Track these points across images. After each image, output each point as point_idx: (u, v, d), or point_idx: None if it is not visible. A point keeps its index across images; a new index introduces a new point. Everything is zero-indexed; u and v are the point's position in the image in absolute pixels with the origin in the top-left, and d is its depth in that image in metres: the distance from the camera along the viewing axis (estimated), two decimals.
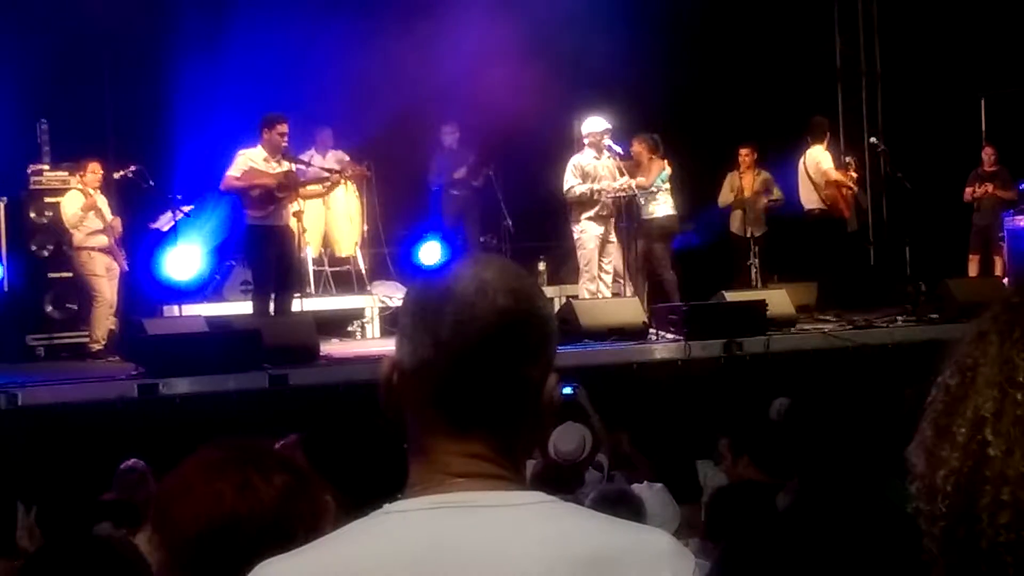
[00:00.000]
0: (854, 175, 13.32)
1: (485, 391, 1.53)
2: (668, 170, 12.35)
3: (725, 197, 14.03)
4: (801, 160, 13.29)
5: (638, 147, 12.42)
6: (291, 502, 2.05)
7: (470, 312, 1.52)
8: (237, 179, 10.68)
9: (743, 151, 13.86)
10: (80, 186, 11.67)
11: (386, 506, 1.53)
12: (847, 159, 13.23)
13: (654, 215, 12.27)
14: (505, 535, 1.48)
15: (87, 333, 11.60)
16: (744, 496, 4.96)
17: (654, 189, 12.18)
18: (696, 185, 13.77)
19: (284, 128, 10.81)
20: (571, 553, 1.47)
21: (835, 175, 13.04)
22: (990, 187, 14.10)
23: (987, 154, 14.25)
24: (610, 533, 1.53)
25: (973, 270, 14.10)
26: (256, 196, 10.64)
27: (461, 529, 1.48)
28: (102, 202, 11.66)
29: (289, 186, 10.87)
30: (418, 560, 1.46)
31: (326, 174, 12.19)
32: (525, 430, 1.57)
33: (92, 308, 11.50)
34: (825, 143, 13.24)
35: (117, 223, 11.72)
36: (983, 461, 1.06)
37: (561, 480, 5.55)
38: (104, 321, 11.48)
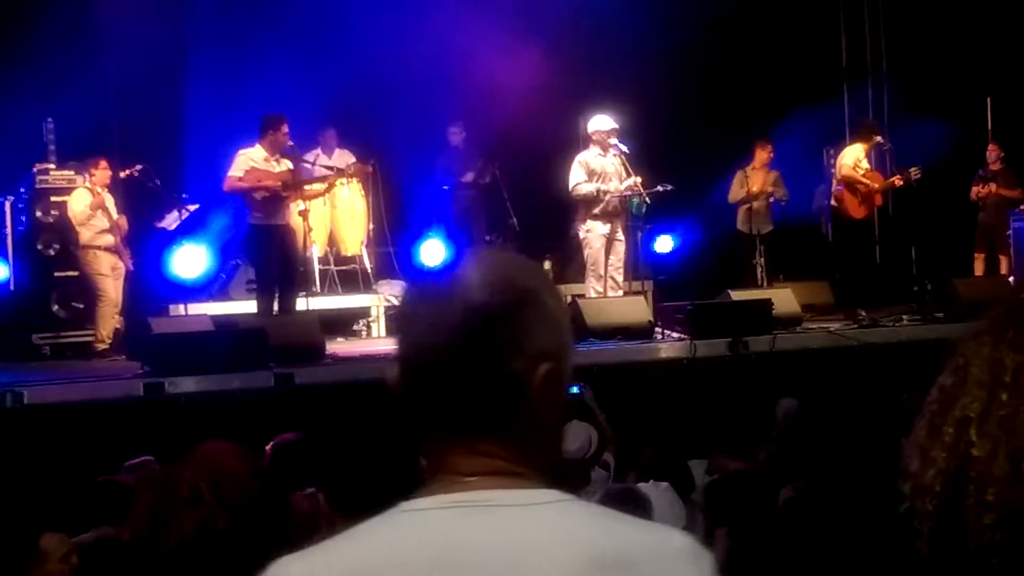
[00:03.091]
0: (896, 181, 13.13)
1: (465, 391, 1.52)
2: None
3: (735, 194, 14.02)
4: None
5: None
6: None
7: (441, 312, 1.52)
8: (240, 179, 10.69)
9: (760, 150, 13.84)
10: (89, 184, 11.68)
11: (401, 504, 1.52)
12: (911, 169, 13.02)
13: None
14: (521, 534, 1.47)
15: (92, 332, 11.61)
16: (738, 486, 4.97)
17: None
18: (702, 183, 13.77)
19: (286, 128, 10.86)
20: (589, 552, 1.45)
21: (845, 172, 13.01)
22: (994, 186, 14.09)
23: (991, 153, 14.23)
24: (628, 532, 1.52)
25: (979, 269, 14.08)
26: (260, 198, 10.65)
27: (477, 528, 1.47)
28: (108, 201, 11.68)
29: (291, 185, 10.88)
30: (434, 560, 1.45)
31: (328, 172, 12.19)
32: (527, 426, 1.54)
33: (97, 307, 11.51)
34: (866, 145, 13.18)
35: (123, 221, 11.73)
36: (968, 461, 1.06)
37: (567, 479, 5.55)
38: (109, 320, 11.49)
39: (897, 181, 13.04)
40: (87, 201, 11.56)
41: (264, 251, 10.86)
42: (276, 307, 10.82)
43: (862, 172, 13.02)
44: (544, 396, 1.54)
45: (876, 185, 13.00)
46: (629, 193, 11.82)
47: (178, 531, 2.05)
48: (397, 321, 1.61)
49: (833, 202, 13.20)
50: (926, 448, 1.11)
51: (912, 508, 1.11)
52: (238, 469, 2.16)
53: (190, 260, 12.41)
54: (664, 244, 13.40)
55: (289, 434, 5.82)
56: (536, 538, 1.46)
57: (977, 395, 1.08)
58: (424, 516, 1.49)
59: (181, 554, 2.03)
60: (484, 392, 1.52)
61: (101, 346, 11.43)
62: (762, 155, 13.86)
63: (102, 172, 11.67)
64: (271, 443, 5.79)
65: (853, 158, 13.01)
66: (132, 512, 2.16)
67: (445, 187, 14.18)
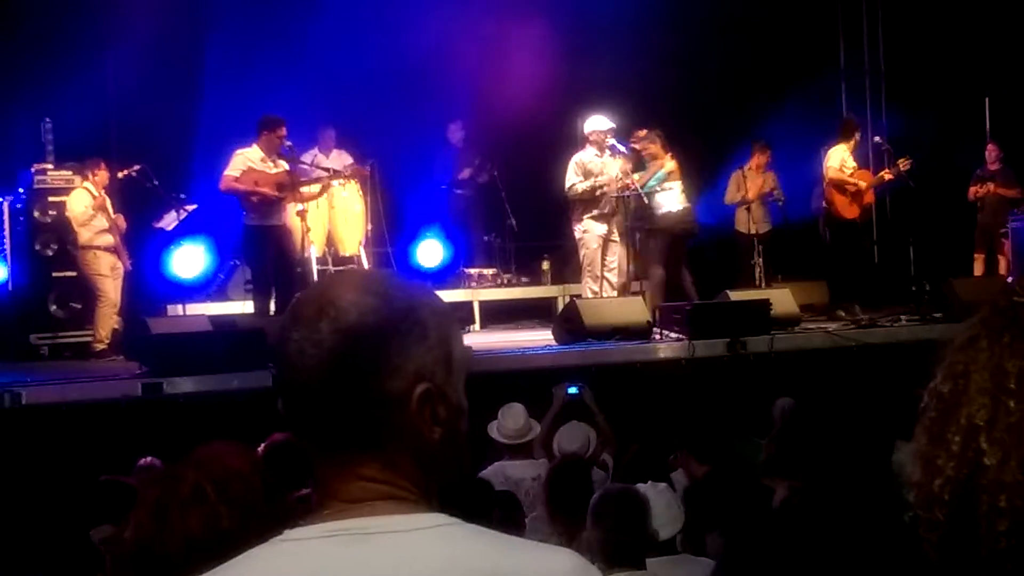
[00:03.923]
0: (885, 176, 13.10)
1: (337, 414, 1.49)
2: (669, 166, 12.18)
3: (731, 195, 14.03)
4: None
5: (648, 145, 12.27)
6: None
7: (308, 335, 1.49)
8: (236, 180, 10.68)
9: (758, 154, 13.84)
10: (90, 185, 11.67)
11: (285, 532, 1.50)
12: (899, 161, 12.99)
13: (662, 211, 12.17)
14: (397, 563, 1.44)
15: (91, 332, 11.61)
16: (720, 486, 4.97)
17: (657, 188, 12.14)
18: (700, 183, 13.76)
19: (283, 131, 10.86)
20: None
21: (832, 174, 12.99)
22: (992, 186, 14.09)
23: (990, 152, 14.24)
24: (512, 556, 1.48)
25: (978, 269, 14.08)
26: (256, 200, 10.65)
27: (354, 557, 1.45)
28: (108, 202, 11.68)
29: (288, 186, 10.87)
30: None
31: (325, 174, 12.18)
32: (408, 447, 1.51)
33: (96, 307, 11.51)
34: (850, 143, 13.15)
35: (121, 221, 11.73)
36: (979, 470, 1.06)
37: (570, 482, 5.54)
38: (108, 321, 11.49)
39: (886, 175, 13.02)
40: (88, 201, 11.55)
41: (260, 252, 10.86)
42: (273, 307, 10.82)
43: (849, 171, 13.01)
44: (424, 416, 1.51)
45: (864, 183, 12.99)
46: (627, 193, 11.82)
47: (183, 530, 2.05)
48: (273, 344, 1.57)
49: (824, 204, 13.19)
50: (930, 457, 1.11)
51: (918, 517, 1.11)
52: (241, 468, 2.16)
53: (188, 260, 12.40)
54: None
55: (281, 434, 5.82)
56: (412, 566, 1.43)
57: (982, 403, 1.08)
58: (303, 546, 1.47)
59: (187, 553, 2.03)
60: (360, 415, 1.49)
61: (100, 346, 11.43)
62: (759, 159, 13.87)
63: (102, 173, 11.68)
64: (263, 443, 5.79)
65: (838, 159, 13.00)
66: (136, 512, 2.16)
67: (443, 186, 14.18)
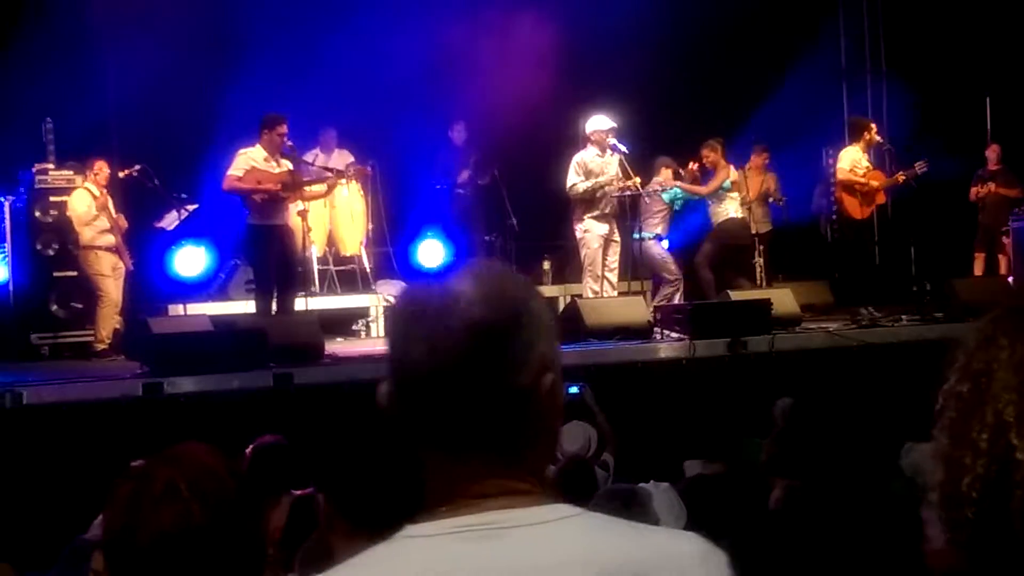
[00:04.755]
0: (899, 178, 13.07)
1: (470, 410, 1.47)
2: (732, 175, 12.81)
3: None
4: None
5: (709, 153, 12.75)
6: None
7: (441, 330, 1.47)
8: (239, 179, 10.67)
9: (755, 155, 13.86)
10: (91, 184, 11.67)
11: (407, 529, 1.48)
12: (916, 164, 12.96)
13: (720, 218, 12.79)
14: (535, 557, 1.43)
15: (92, 332, 11.61)
16: (723, 485, 4.97)
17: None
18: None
19: (284, 128, 10.79)
20: (600, 568, 1.43)
21: (841, 176, 13.00)
22: (992, 186, 14.09)
23: (991, 153, 14.23)
24: (642, 542, 1.49)
25: (978, 269, 14.07)
26: (259, 199, 10.64)
27: (485, 554, 1.43)
28: (109, 201, 11.68)
29: (291, 186, 10.86)
30: None
31: (328, 174, 12.17)
32: (533, 439, 1.51)
33: (97, 307, 11.51)
34: (861, 144, 13.16)
35: (122, 221, 11.74)
36: (1010, 465, 1.06)
37: (575, 483, 5.54)
38: (109, 320, 11.49)
39: (900, 178, 12.98)
40: (90, 202, 11.55)
41: (262, 251, 10.84)
42: (275, 307, 10.81)
43: (862, 172, 13.00)
44: (550, 406, 1.52)
45: (876, 184, 12.98)
46: (629, 193, 11.84)
47: (156, 525, 2.05)
48: (389, 339, 1.54)
49: (835, 204, 13.23)
50: (954, 456, 1.11)
51: (940, 517, 1.11)
52: (214, 466, 2.16)
53: (189, 260, 12.42)
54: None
55: (268, 436, 5.83)
56: (549, 560, 1.43)
57: (1009, 399, 1.08)
58: (433, 543, 1.45)
59: (159, 548, 2.04)
60: (491, 410, 1.48)
61: (101, 346, 11.43)
62: (758, 159, 13.89)
63: (103, 172, 11.68)
64: (250, 445, 5.79)
65: (849, 161, 13.00)
66: (108, 508, 2.16)
67: (438, 186, 14.16)
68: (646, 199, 12.39)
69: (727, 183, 12.71)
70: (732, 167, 12.84)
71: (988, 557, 1.08)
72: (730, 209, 12.79)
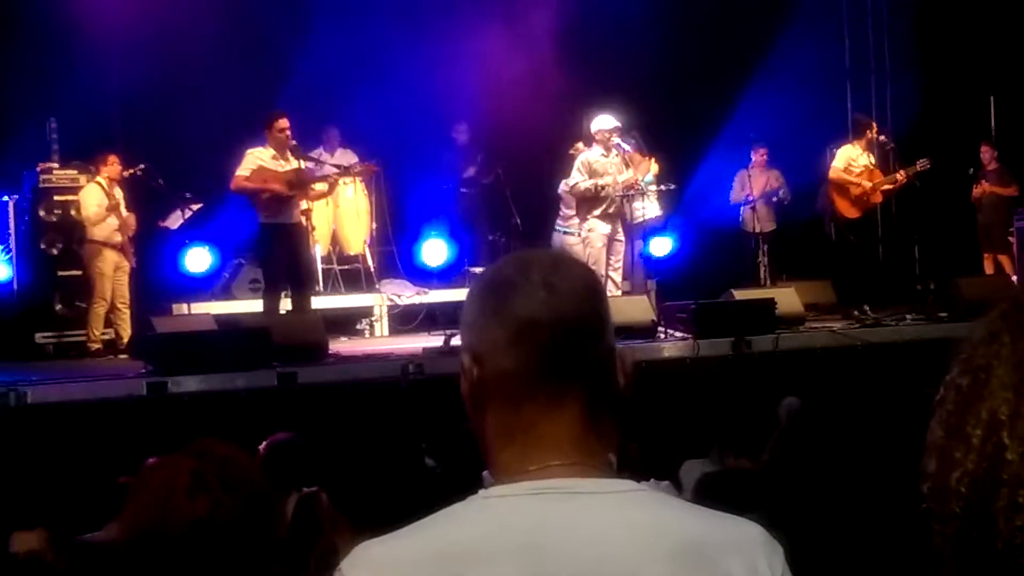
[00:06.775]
0: (899, 177, 12.99)
1: (582, 354, 1.54)
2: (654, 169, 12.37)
3: (736, 195, 14.11)
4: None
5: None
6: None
7: (558, 279, 1.54)
8: (247, 179, 10.65)
9: (756, 154, 13.85)
10: (102, 180, 11.66)
11: (482, 491, 1.52)
12: (918, 162, 12.89)
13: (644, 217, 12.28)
14: (605, 522, 1.48)
15: (85, 333, 11.63)
16: (732, 482, 4.95)
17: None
18: (704, 182, 13.77)
19: (283, 124, 10.72)
20: (669, 542, 1.48)
21: (833, 175, 12.97)
22: (986, 185, 14.09)
23: (985, 153, 14.23)
24: (706, 522, 1.54)
25: (988, 268, 14.05)
26: (266, 198, 10.63)
27: (564, 514, 1.48)
28: (119, 197, 11.67)
29: (299, 184, 10.84)
30: (523, 545, 1.46)
31: (334, 171, 12.17)
32: (612, 402, 1.57)
33: (90, 306, 11.52)
34: (860, 142, 13.11)
35: (132, 220, 11.73)
36: (1000, 464, 1.05)
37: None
38: (100, 320, 11.51)
39: (900, 176, 12.91)
40: (99, 200, 11.54)
41: (272, 250, 10.81)
42: (290, 305, 10.79)
43: (858, 171, 12.97)
44: (624, 374, 1.59)
45: (870, 184, 12.93)
46: (632, 192, 11.83)
47: (190, 514, 2.06)
48: (488, 304, 1.56)
49: (828, 203, 13.18)
50: (946, 449, 1.10)
51: (931, 510, 1.11)
52: (239, 458, 2.18)
53: (193, 259, 12.44)
54: (661, 247, 13.09)
55: (282, 434, 5.82)
56: (619, 526, 1.48)
57: (1004, 397, 1.07)
58: (510, 502, 1.50)
59: (192, 538, 2.04)
60: (592, 358, 1.55)
61: (95, 346, 11.45)
62: (757, 158, 13.89)
63: (113, 167, 11.66)
64: (264, 442, 5.79)
65: (844, 159, 12.98)
66: (132, 503, 2.16)
67: (445, 186, 14.17)
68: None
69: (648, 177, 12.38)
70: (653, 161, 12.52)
71: (970, 554, 1.08)
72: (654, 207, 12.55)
